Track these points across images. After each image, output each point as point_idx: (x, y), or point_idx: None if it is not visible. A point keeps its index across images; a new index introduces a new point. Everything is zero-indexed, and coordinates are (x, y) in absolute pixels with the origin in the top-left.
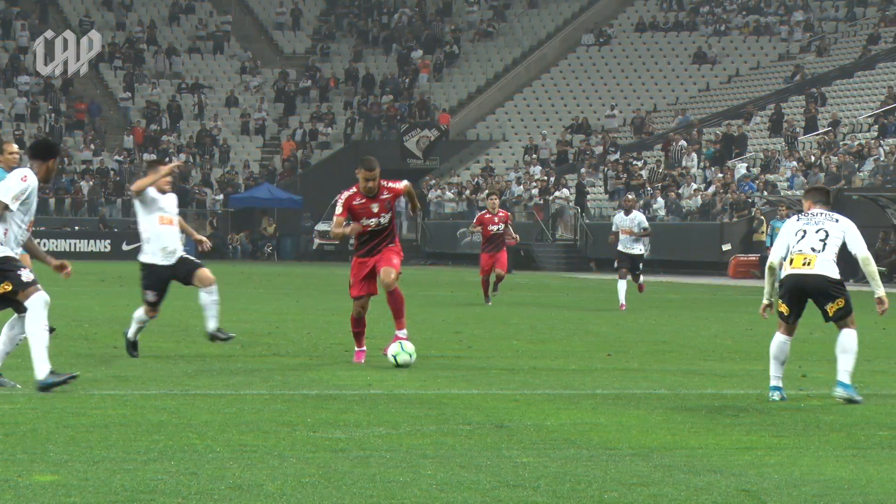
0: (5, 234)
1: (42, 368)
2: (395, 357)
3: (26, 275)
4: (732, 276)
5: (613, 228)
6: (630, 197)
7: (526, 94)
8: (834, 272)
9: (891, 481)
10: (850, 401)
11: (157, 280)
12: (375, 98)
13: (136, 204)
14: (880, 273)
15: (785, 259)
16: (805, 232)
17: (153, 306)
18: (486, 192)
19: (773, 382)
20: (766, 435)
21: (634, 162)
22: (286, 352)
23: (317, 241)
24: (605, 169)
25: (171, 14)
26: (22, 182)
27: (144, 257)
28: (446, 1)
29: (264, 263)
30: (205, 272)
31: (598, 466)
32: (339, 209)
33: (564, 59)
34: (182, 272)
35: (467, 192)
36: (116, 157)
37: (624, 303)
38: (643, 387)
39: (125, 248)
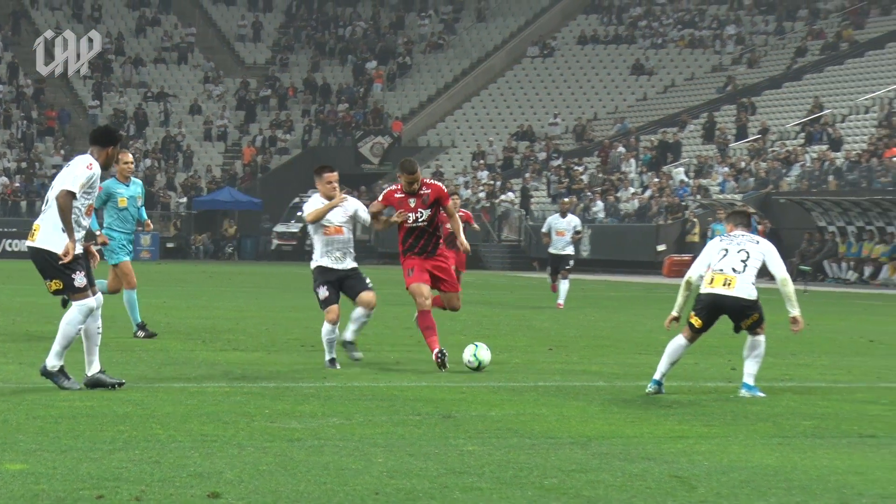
0: None
1: (53, 360)
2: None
3: (79, 279)
4: (667, 275)
5: (544, 229)
6: (566, 201)
7: (474, 102)
8: (751, 293)
9: (814, 468)
10: (754, 397)
11: (327, 275)
12: (332, 106)
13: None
14: (806, 272)
15: (704, 276)
16: (727, 251)
17: (327, 304)
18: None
19: (656, 376)
20: (696, 424)
21: (576, 167)
22: (246, 346)
23: (275, 241)
24: (548, 174)
25: (138, 26)
26: (87, 170)
27: (315, 263)
28: (399, 15)
29: (225, 263)
30: (370, 296)
31: (539, 454)
32: (379, 197)
33: (510, 70)
34: (351, 288)
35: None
36: None
37: (561, 302)
38: (583, 379)
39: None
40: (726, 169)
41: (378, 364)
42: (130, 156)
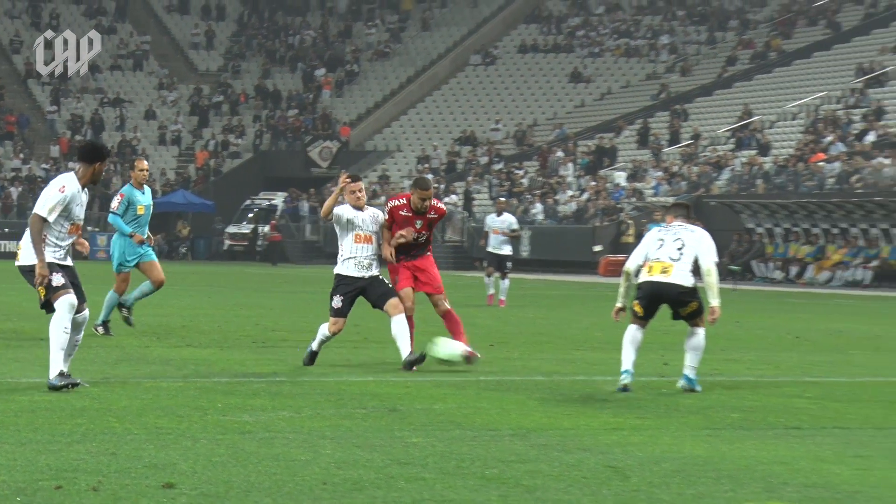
0: (44, 239)
1: (54, 369)
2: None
3: (57, 279)
4: (603, 275)
5: (485, 228)
6: (502, 200)
7: (419, 108)
8: (688, 281)
9: (741, 458)
10: (691, 391)
11: (347, 287)
12: (282, 112)
13: (334, 223)
14: (735, 272)
15: (642, 266)
16: (663, 241)
17: (337, 315)
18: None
19: (627, 366)
20: (630, 417)
21: (516, 171)
22: (199, 343)
23: (227, 242)
24: (490, 177)
25: None
26: (59, 193)
27: (338, 269)
28: (347, 24)
29: (179, 262)
30: (398, 301)
31: (480, 446)
32: (385, 214)
33: (454, 78)
34: (374, 294)
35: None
36: (44, 166)
37: (503, 298)
38: (522, 374)
39: None
40: (660, 173)
41: (326, 361)
42: (146, 163)
